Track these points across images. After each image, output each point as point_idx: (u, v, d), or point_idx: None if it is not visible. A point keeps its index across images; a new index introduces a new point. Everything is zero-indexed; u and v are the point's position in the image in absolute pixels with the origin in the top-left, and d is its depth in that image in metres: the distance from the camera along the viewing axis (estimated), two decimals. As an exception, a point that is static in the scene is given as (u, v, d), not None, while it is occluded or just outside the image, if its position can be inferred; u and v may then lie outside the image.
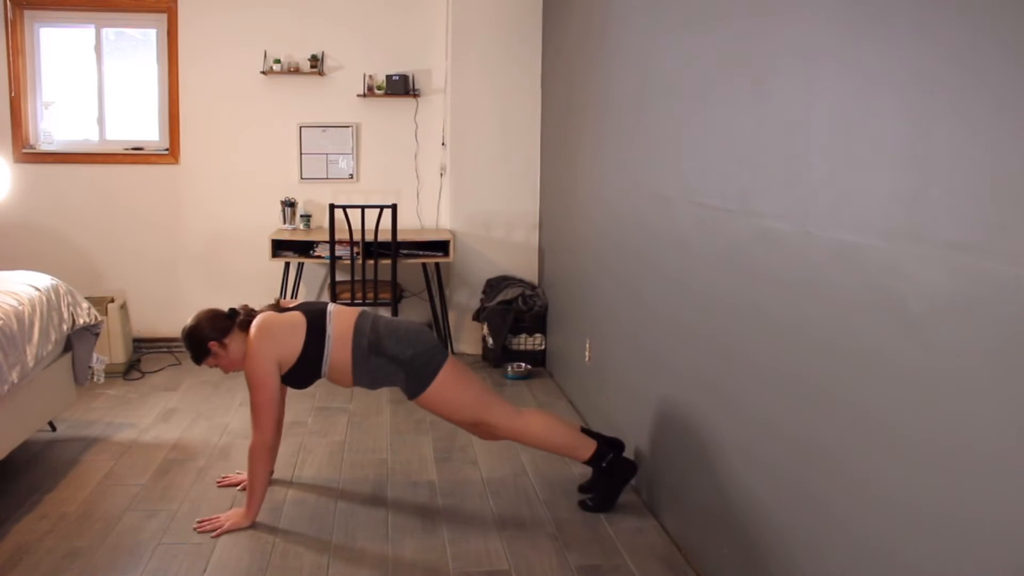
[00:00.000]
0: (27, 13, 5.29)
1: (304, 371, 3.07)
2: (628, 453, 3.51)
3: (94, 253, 5.47)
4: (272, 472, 3.35)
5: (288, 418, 4.25)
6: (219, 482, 3.40)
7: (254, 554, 2.86)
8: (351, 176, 5.57)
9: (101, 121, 5.47)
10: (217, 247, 5.56)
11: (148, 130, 5.52)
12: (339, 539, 2.98)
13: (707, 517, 2.71)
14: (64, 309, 3.66)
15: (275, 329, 3.04)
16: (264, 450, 3.01)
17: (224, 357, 3.08)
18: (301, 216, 5.39)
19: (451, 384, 3.07)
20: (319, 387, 4.78)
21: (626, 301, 3.56)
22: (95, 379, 3.99)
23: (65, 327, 3.64)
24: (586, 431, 3.28)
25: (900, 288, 1.70)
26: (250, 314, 3.13)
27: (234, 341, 3.08)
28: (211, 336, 3.07)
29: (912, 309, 1.67)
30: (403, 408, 4.43)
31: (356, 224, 4.85)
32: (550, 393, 4.72)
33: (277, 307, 3.20)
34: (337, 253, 4.97)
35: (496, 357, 5.12)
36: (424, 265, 5.31)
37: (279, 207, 5.44)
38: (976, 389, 1.50)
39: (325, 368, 3.06)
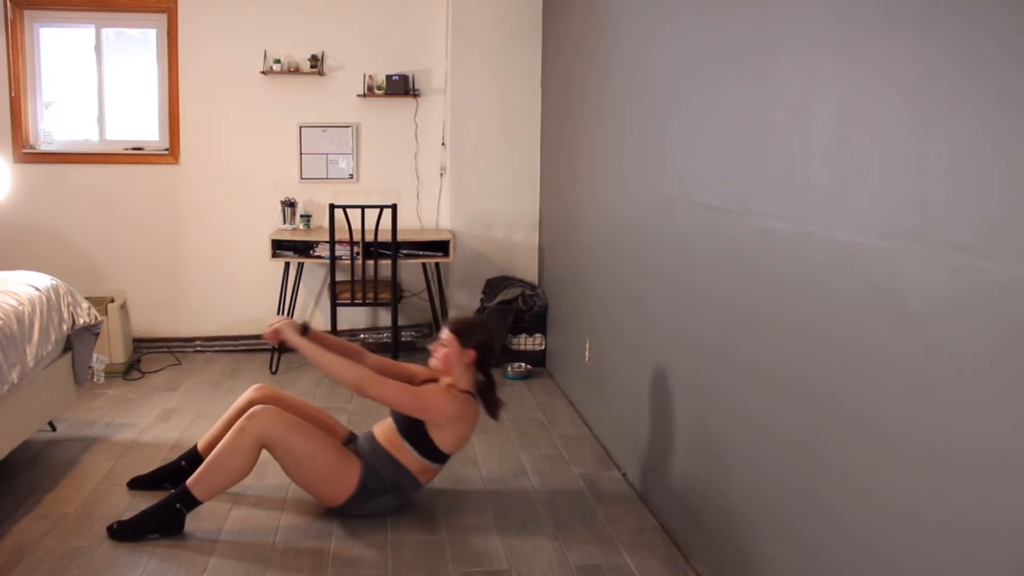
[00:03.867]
0: (27, 13, 5.29)
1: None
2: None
3: (94, 253, 5.47)
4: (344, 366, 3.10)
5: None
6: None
7: (254, 554, 2.86)
8: (351, 176, 5.57)
9: (101, 121, 5.47)
10: (217, 247, 5.56)
11: (148, 130, 5.51)
12: (339, 539, 2.98)
13: (707, 517, 2.71)
14: (64, 309, 3.65)
15: (469, 422, 3.12)
16: (366, 381, 2.99)
17: (454, 361, 3.13)
18: (301, 216, 5.39)
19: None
20: (319, 387, 4.78)
21: (626, 301, 3.56)
22: (95, 379, 3.98)
23: (65, 327, 3.64)
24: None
25: (900, 288, 1.70)
26: (485, 392, 3.21)
27: (468, 371, 3.16)
28: (478, 349, 3.14)
29: (912, 309, 1.67)
30: (403, 408, 4.43)
31: (356, 224, 4.85)
32: (550, 393, 4.72)
33: None
34: (337, 253, 4.97)
35: (496, 357, 5.11)
36: (424, 265, 5.31)
37: (279, 207, 5.44)
38: (976, 389, 1.50)
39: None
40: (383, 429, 3.18)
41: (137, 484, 3.34)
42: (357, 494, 3.05)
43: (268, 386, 3.40)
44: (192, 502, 2.95)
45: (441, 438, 3.07)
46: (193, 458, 3.31)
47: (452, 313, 5.49)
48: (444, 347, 3.14)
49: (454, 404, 3.05)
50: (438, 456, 3.11)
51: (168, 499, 2.96)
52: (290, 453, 2.99)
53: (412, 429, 3.07)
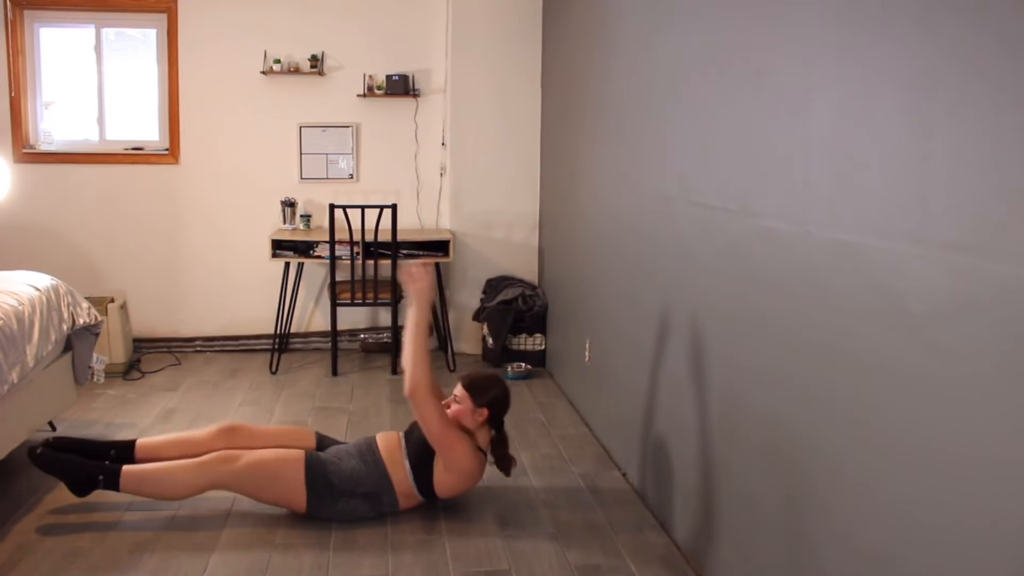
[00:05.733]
0: (27, 13, 5.29)
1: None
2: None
3: (94, 253, 5.47)
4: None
5: (288, 417, 4.25)
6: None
7: (254, 554, 2.86)
8: (351, 176, 5.57)
9: (101, 121, 5.47)
10: (217, 247, 5.56)
11: (148, 130, 5.51)
12: (339, 539, 2.98)
13: (707, 517, 2.71)
14: (64, 309, 3.65)
15: (472, 479, 3.13)
16: (424, 389, 2.99)
17: (467, 418, 3.11)
18: (301, 216, 5.39)
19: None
20: (319, 386, 4.78)
21: (626, 301, 3.56)
22: (95, 379, 3.98)
23: (65, 327, 3.64)
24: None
25: (900, 288, 1.70)
26: (497, 449, 3.21)
27: (481, 428, 3.15)
28: (491, 407, 3.13)
29: (912, 309, 1.67)
30: (403, 408, 4.42)
31: (356, 224, 4.85)
32: (550, 393, 4.72)
33: None
34: (337, 253, 4.97)
35: (496, 357, 5.12)
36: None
37: (279, 207, 5.44)
38: (976, 390, 1.50)
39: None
40: (388, 440, 3.19)
41: (54, 446, 3.16)
42: (313, 495, 3.02)
43: (235, 425, 3.31)
44: (114, 486, 3.02)
45: (441, 478, 3.08)
46: (125, 450, 3.22)
47: (452, 314, 5.50)
48: (458, 403, 3.14)
49: (470, 463, 3.07)
50: (428, 491, 3.11)
51: (98, 467, 3.04)
52: (242, 491, 3.08)
53: (422, 455, 3.08)
